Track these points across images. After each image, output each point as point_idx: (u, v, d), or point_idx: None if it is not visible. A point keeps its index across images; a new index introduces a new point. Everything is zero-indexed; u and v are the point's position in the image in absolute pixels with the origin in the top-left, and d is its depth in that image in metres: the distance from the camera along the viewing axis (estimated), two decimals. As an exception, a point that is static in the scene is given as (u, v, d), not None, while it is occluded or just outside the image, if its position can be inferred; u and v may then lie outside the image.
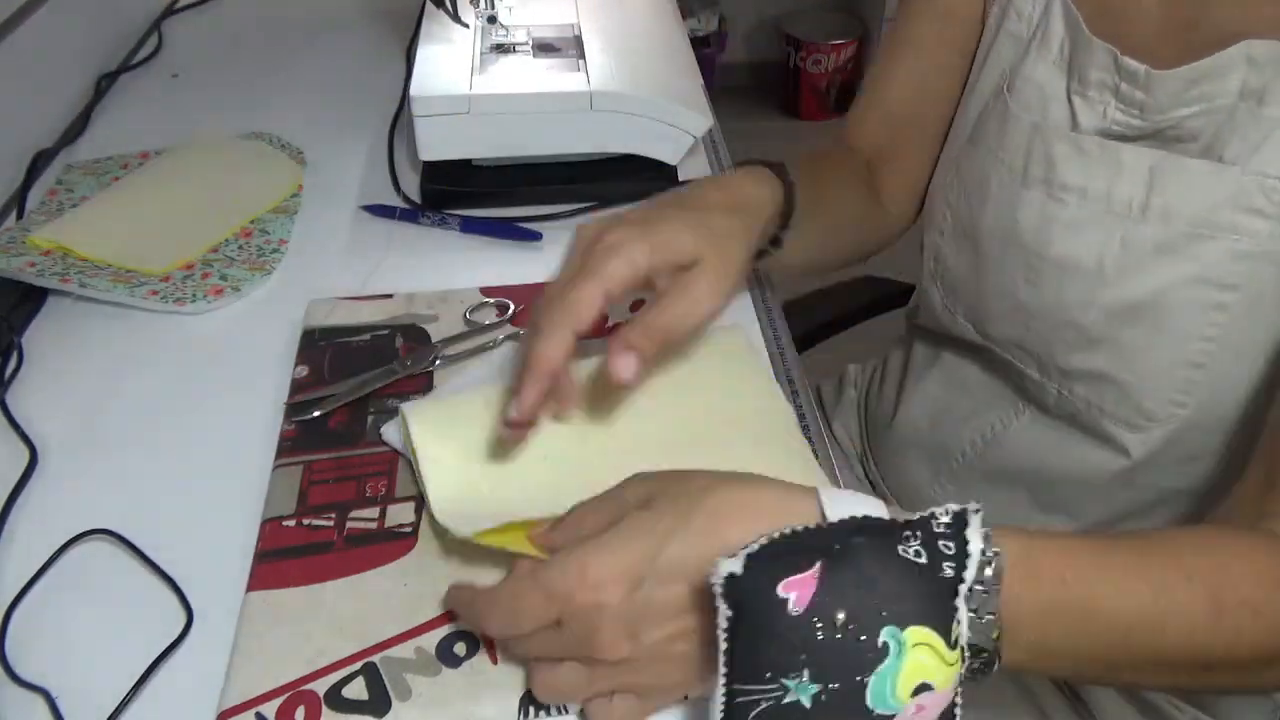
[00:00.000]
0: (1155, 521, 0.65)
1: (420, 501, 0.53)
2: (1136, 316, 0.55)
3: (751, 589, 0.35)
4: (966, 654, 0.37)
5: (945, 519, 0.37)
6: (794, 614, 0.35)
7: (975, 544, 0.37)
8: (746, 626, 0.36)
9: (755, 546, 0.36)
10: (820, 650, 0.35)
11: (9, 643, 0.48)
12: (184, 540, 0.53)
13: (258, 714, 0.44)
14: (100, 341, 0.67)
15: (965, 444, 0.73)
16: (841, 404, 0.90)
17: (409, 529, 0.52)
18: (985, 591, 0.37)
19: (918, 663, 0.35)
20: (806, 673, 0.35)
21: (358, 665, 0.46)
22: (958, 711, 0.37)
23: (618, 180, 0.80)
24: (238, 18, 1.13)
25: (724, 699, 0.36)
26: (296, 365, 0.62)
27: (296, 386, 0.61)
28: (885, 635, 0.35)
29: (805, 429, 0.60)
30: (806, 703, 0.35)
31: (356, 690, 0.45)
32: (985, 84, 0.64)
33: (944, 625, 0.36)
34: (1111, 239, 0.55)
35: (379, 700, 0.44)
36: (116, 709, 0.45)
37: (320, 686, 0.45)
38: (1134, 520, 0.65)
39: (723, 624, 0.36)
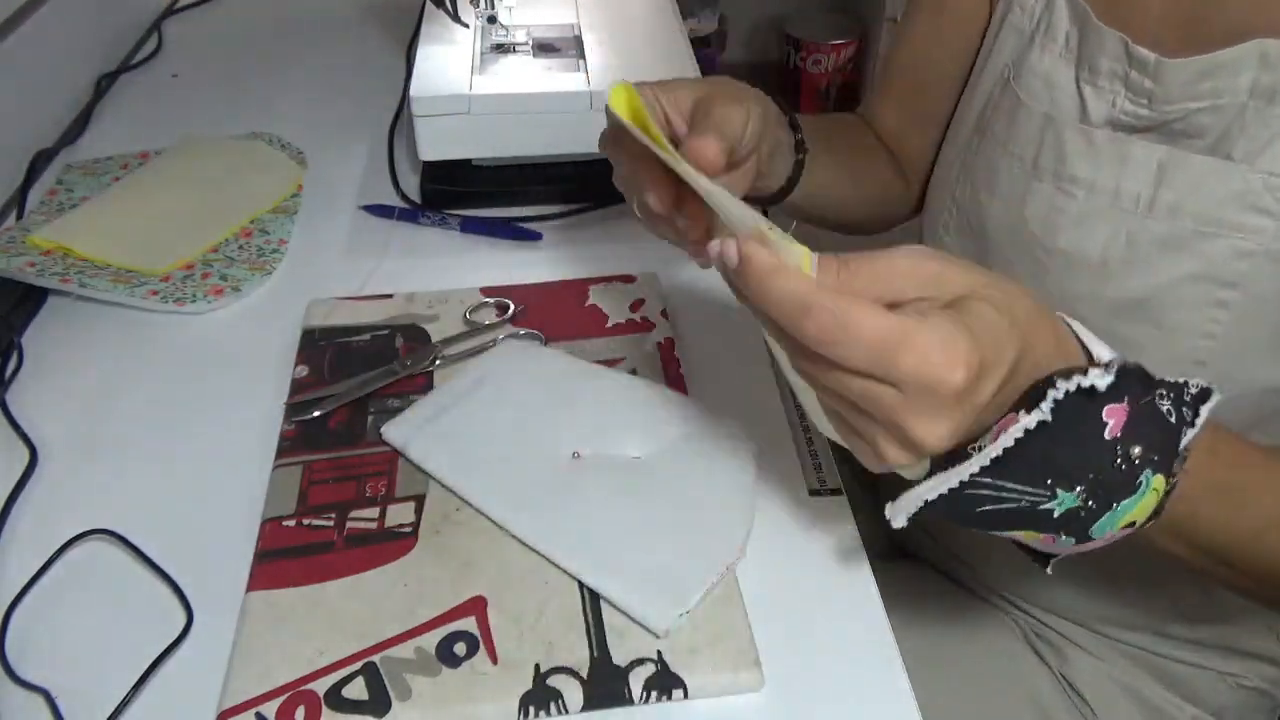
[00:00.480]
0: None
1: (420, 501, 0.53)
2: (1139, 312, 0.56)
3: (1081, 404, 0.37)
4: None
5: (1194, 390, 0.40)
6: (1107, 439, 0.37)
7: (1204, 419, 0.40)
8: (1056, 432, 0.37)
9: (1111, 373, 0.37)
10: (1108, 475, 0.37)
11: (9, 643, 0.48)
12: (184, 540, 0.53)
13: (258, 714, 0.44)
14: (100, 341, 0.67)
15: None
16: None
17: (409, 529, 0.52)
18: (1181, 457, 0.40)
19: (1144, 505, 0.39)
20: (1084, 489, 0.37)
21: (358, 665, 0.46)
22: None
23: (618, 180, 0.80)
24: (238, 18, 1.13)
25: (989, 473, 0.37)
26: (297, 365, 0.62)
27: (297, 386, 0.61)
28: (1143, 476, 0.38)
29: (805, 430, 0.60)
30: (1056, 513, 0.38)
31: (356, 690, 0.45)
32: (988, 77, 0.64)
33: (1171, 478, 0.39)
34: (1117, 233, 0.55)
35: (379, 700, 0.44)
36: (116, 709, 0.45)
37: (320, 686, 0.45)
38: None
39: (1030, 423, 0.36)
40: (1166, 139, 0.54)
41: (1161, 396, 0.39)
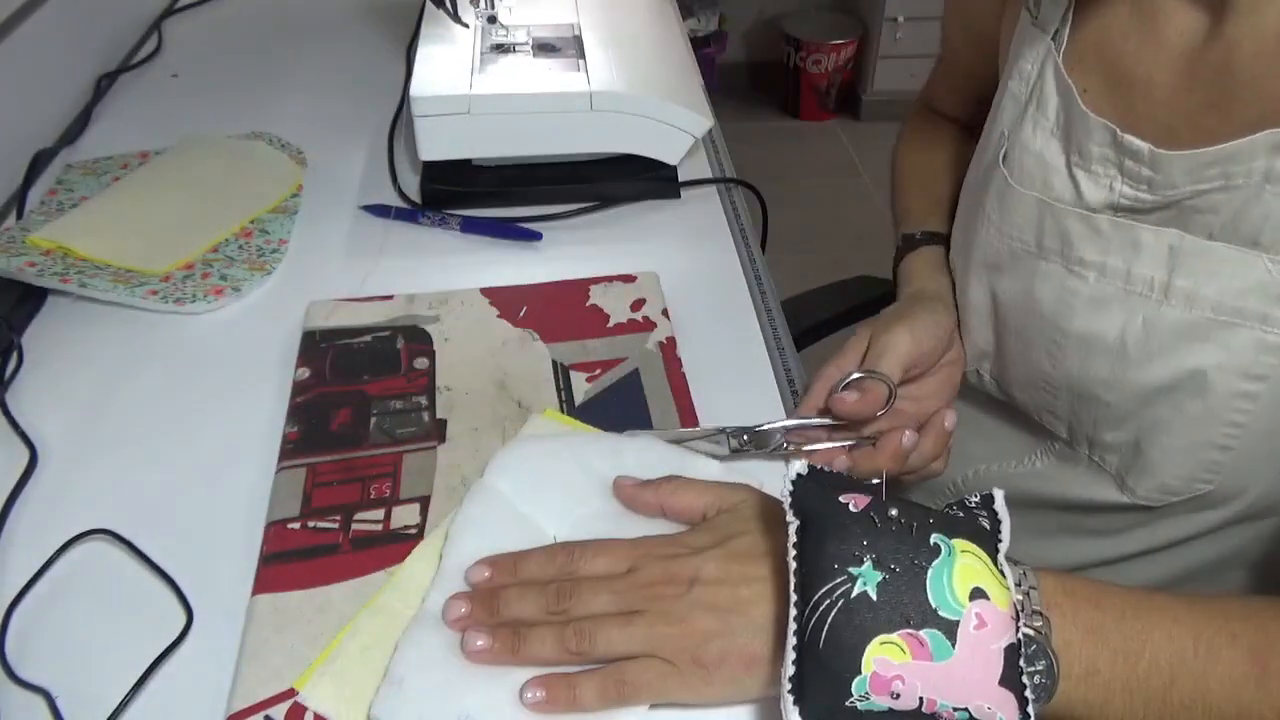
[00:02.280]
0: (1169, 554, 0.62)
1: (425, 502, 0.53)
2: (1161, 397, 0.52)
3: (816, 496, 0.42)
4: (1016, 588, 0.40)
5: (974, 499, 0.43)
6: (853, 511, 0.40)
7: (1001, 506, 0.42)
8: (813, 528, 0.41)
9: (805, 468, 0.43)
10: (879, 538, 0.39)
11: (9, 643, 0.48)
12: (184, 540, 0.53)
13: (266, 717, 0.44)
14: (100, 341, 0.67)
15: (959, 477, 0.72)
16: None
17: (414, 530, 0.52)
18: (1026, 592, 0.41)
19: (968, 566, 0.39)
20: (869, 560, 0.39)
21: (361, 666, 0.46)
22: (1023, 662, 0.38)
23: (618, 180, 0.80)
24: (238, 18, 1.12)
25: (797, 606, 0.40)
26: (298, 367, 0.62)
27: (298, 388, 0.60)
28: (935, 538, 0.39)
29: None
30: (873, 593, 0.38)
31: (360, 691, 0.45)
32: (989, 143, 0.60)
33: (989, 551, 0.40)
34: (1134, 318, 0.52)
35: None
36: (116, 709, 0.45)
37: (324, 687, 0.45)
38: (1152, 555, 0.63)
39: (793, 536, 0.41)
40: (1176, 219, 0.50)
41: (948, 506, 0.43)
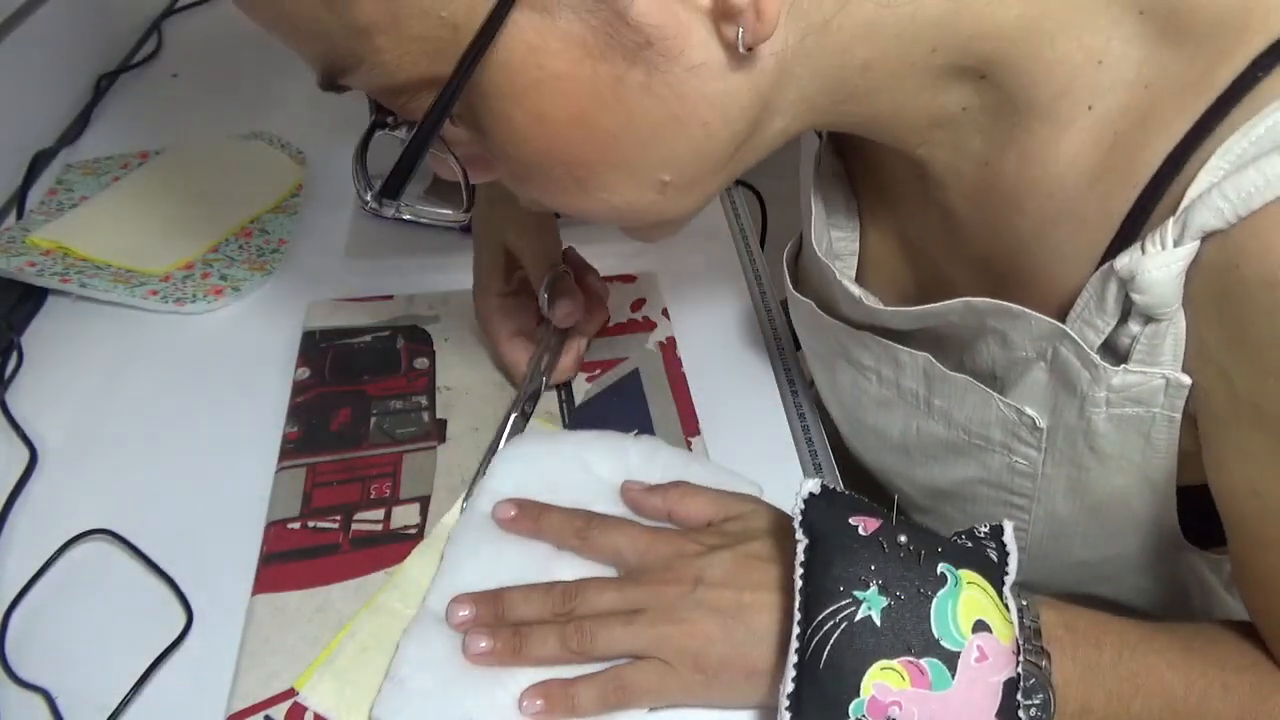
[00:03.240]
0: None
1: (425, 502, 0.53)
2: (944, 499, 0.54)
3: (827, 517, 0.42)
4: (1019, 622, 0.40)
5: (984, 529, 0.43)
6: (863, 535, 0.40)
7: (1010, 539, 0.42)
8: (821, 548, 0.41)
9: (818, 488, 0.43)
10: (887, 563, 0.39)
11: (9, 643, 0.48)
12: (184, 540, 0.52)
13: (266, 717, 0.44)
14: (100, 341, 0.66)
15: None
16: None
17: (414, 530, 0.52)
18: (1028, 626, 0.40)
19: (973, 598, 0.39)
20: (875, 585, 0.39)
21: (362, 667, 0.45)
22: (1020, 696, 0.38)
23: (618, 180, 0.80)
24: (238, 18, 1.10)
25: (800, 625, 0.39)
26: (298, 367, 0.62)
27: (298, 388, 0.60)
28: (943, 567, 0.39)
29: (805, 430, 0.60)
30: (877, 619, 0.38)
31: (361, 691, 0.45)
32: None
33: (995, 582, 0.40)
34: (910, 424, 0.53)
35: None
36: (116, 709, 0.45)
37: (325, 688, 0.45)
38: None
39: (800, 555, 0.41)
40: (934, 341, 0.49)
41: (956, 535, 0.43)
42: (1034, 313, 0.42)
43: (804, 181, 0.56)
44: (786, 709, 0.39)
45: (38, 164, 0.83)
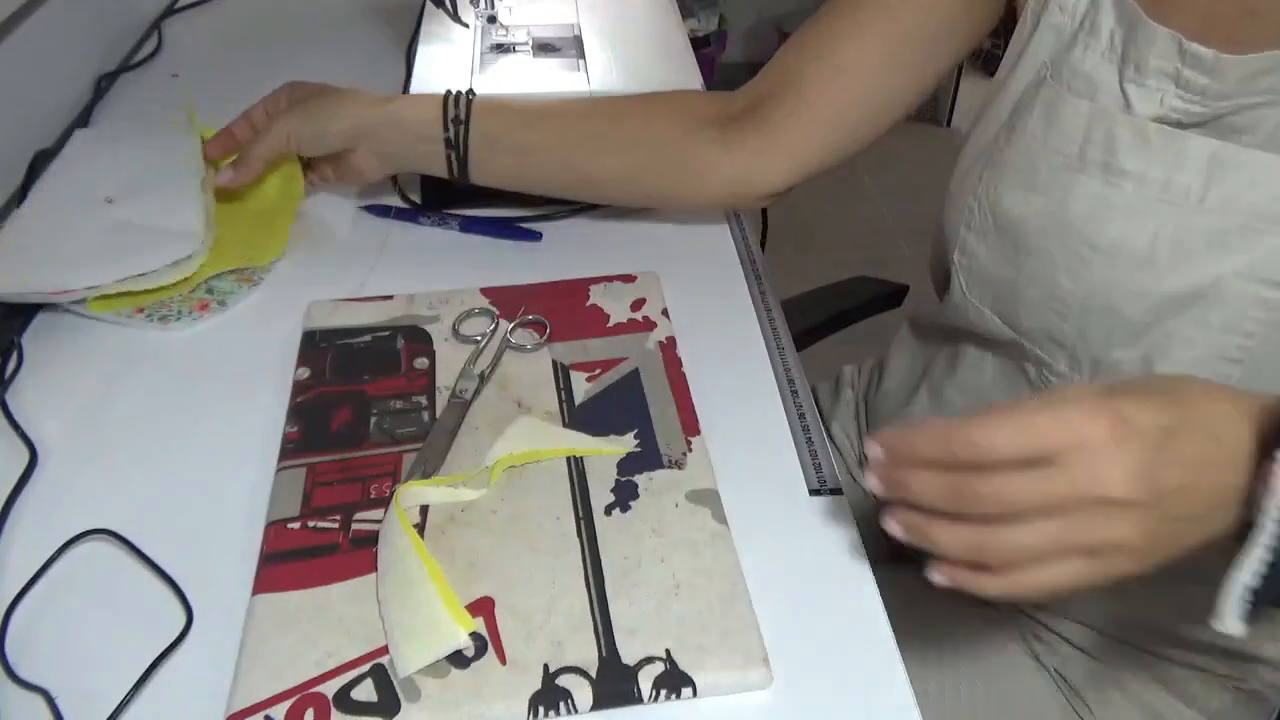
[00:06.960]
0: None
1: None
2: (1180, 308, 0.55)
3: None
4: None
5: None
6: None
7: None
8: None
9: None
10: None
11: (9, 643, 0.48)
12: (184, 540, 0.52)
13: (266, 717, 0.44)
14: (100, 341, 0.66)
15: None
16: (839, 406, 0.90)
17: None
18: None
19: None
20: None
21: (366, 667, 0.46)
22: None
23: (618, 180, 0.80)
24: (238, 18, 1.12)
25: (1269, 561, 0.37)
26: (298, 367, 0.62)
27: (298, 388, 0.60)
28: None
29: (805, 430, 0.60)
30: None
31: (365, 692, 0.45)
32: (1021, 77, 0.63)
33: None
34: (1165, 227, 0.55)
35: (388, 702, 0.44)
36: (116, 709, 0.45)
37: (329, 689, 0.45)
38: None
39: None
40: (1218, 134, 0.53)
41: None
42: None
43: None
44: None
45: (38, 164, 0.83)
